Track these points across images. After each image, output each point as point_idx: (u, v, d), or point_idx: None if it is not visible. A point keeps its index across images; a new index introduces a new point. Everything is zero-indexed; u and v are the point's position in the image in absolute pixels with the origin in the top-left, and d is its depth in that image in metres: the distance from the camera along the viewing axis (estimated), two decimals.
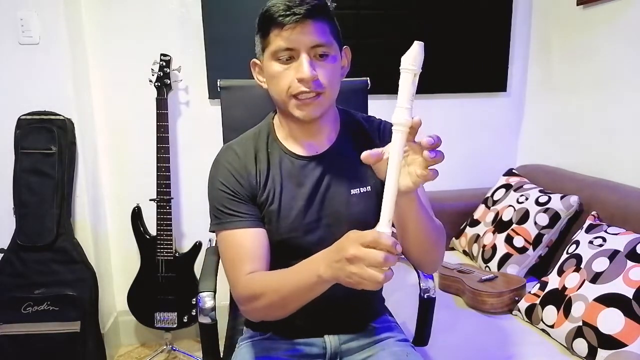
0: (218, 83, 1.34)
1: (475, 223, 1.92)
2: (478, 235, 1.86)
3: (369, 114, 1.07)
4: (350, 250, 0.63)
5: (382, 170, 0.68)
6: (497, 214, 1.82)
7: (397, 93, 0.63)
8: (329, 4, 0.87)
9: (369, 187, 0.95)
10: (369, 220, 0.96)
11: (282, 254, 0.90)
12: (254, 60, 0.94)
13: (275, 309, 0.82)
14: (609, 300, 1.18)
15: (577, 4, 1.84)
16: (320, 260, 0.71)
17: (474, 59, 2.12)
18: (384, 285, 1.10)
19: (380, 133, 0.99)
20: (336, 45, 0.88)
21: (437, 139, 0.64)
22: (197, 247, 1.90)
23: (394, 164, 0.63)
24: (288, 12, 0.80)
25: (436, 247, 0.88)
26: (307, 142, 0.95)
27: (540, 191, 1.73)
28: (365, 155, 0.68)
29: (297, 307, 0.79)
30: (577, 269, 1.32)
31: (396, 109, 0.63)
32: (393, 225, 0.64)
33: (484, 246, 1.79)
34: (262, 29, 0.86)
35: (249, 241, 0.88)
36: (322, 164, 0.94)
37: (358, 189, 0.94)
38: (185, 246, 2.03)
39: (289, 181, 0.93)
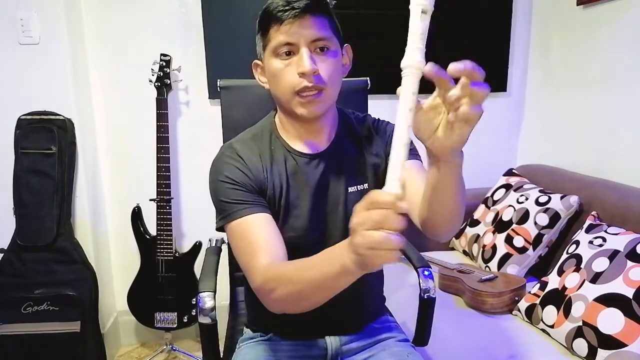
0: (218, 83, 1.34)
1: (475, 223, 1.92)
2: (478, 235, 1.86)
3: (367, 114, 1.07)
4: (354, 219, 0.55)
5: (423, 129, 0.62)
6: (497, 214, 1.82)
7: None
8: (328, 0, 0.87)
9: (366, 184, 0.96)
10: None
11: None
12: (255, 61, 0.94)
13: (295, 302, 0.75)
14: (609, 300, 1.18)
15: (577, 4, 1.84)
16: (343, 248, 0.62)
17: (474, 59, 2.10)
18: (383, 285, 1.12)
19: (375, 129, 0.99)
20: (336, 41, 0.88)
21: (470, 64, 0.54)
22: (197, 247, 1.90)
23: (404, 111, 0.54)
24: (287, 7, 0.81)
25: (460, 218, 0.80)
26: (308, 140, 0.95)
27: (540, 191, 1.73)
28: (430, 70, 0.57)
29: (322, 299, 0.71)
30: (577, 269, 1.32)
31: (406, 50, 0.55)
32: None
33: (484, 246, 1.79)
34: (262, 27, 0.87)
35: (261, 228, 0.84)
36: (322, 162, 0.94)
37: (355, 187, 0.95)
38: (185, 246, 2.02)
39: (294, 179, 0.93)
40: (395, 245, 0.52)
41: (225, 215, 0.87)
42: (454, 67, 0.55)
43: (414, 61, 0.55)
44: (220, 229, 0.91)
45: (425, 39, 0.55)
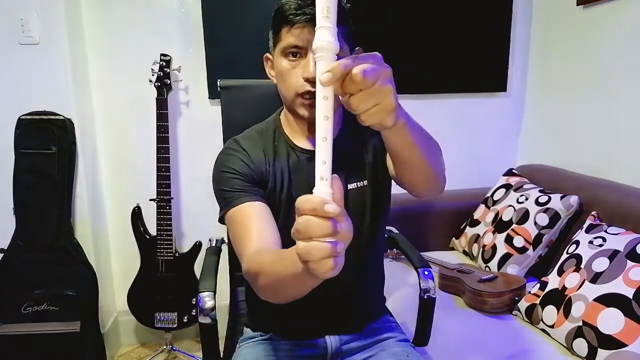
0: (218, 83, 1.34)
1: (475, 223, 1.92)
2: (478, 235, 1.86)
3: None
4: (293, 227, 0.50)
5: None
6: (497, 214, 1.82)
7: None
8: (343, 5, 0.87)
9: (365, 181, 0.97)
10: (365, 214, 0.96)
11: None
12: (267, 54, 0.97)
13: (274, 293, 0.74)
14: (609, 300, 1.18)
15: (577, 4, 1.84)
16: None
17: (474, 59, 2.11)
18: (383, 285, 1.12)
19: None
20: (347, 48, 0.88)
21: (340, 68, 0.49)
22: (197, 247, 1.90)
23: (319, 100, 0.49)
24: (299, 12, 0.83)
25: (435, 176, 0.79)
26: (311, 137, 0.96)
27: (540, 191, 1.73)
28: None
29: (298, 295, 0.69)
30: (577, 269, 1.32)
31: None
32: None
33: (484, 246, 1.79)
34: (274, 25, 0.89)
35: (255, 215, 0.85)
36: None
37: (355, 184, 0.96)
38: (185, 246, 2.02)
39: (296, 175, 0.95)
40: (323, 254, 0.47)
41: (225, 204, 0.89)
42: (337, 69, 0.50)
43: (322, 42, 0.49)
44: (222, 220, 0.92)
45: (335, 15, 0.49)
